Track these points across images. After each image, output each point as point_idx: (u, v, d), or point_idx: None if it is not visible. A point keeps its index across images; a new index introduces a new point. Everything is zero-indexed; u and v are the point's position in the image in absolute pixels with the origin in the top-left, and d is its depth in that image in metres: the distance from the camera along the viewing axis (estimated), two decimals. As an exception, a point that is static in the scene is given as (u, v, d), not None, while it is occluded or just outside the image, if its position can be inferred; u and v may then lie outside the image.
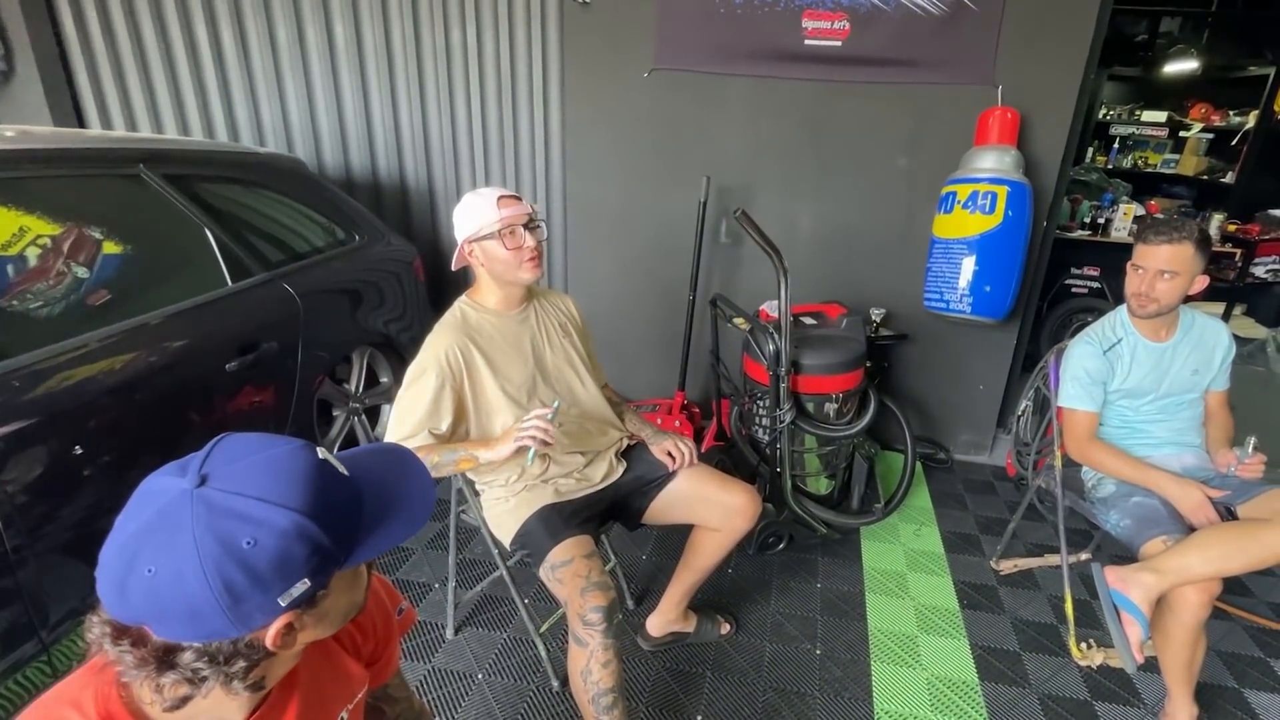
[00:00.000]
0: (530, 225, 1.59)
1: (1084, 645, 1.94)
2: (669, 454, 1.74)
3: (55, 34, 2.98)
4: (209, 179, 2.33)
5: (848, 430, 2.35)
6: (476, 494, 1.74)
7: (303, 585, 0.63)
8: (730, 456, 2.64)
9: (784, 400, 2.23)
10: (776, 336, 2.19)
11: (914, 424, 2.94)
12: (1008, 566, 2.38)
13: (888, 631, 2.07)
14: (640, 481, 1.77)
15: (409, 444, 1.50)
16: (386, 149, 3.44)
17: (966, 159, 2.68)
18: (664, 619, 1.96)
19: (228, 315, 2.11)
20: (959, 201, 2.65)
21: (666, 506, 1.75)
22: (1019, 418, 2.71)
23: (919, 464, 3.06)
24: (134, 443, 1.73)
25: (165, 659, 0.62)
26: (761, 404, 2.38)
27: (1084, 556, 2.40)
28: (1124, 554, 1.82)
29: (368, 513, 0.70)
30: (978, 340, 3.01)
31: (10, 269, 1.65)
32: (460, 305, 1.68)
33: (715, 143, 2.98)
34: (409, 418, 1.53)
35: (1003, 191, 2.54)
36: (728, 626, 2.03)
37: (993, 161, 2.61)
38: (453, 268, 1.69)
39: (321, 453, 0.68)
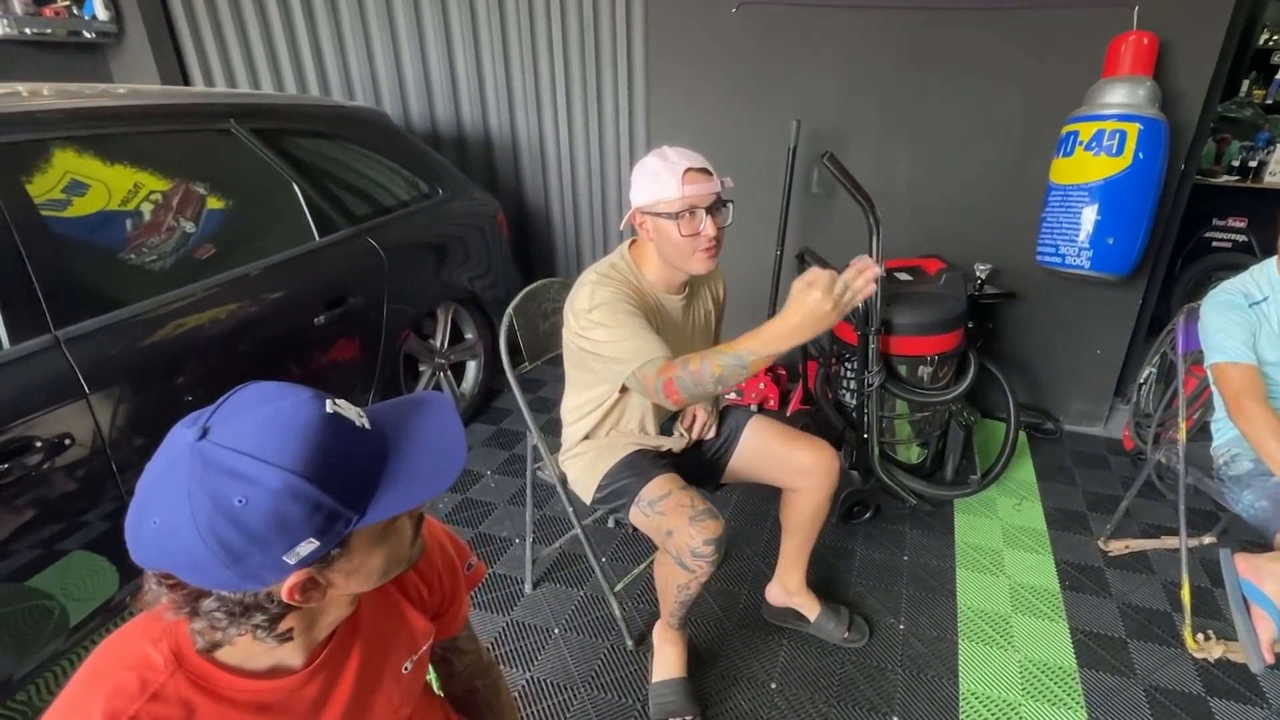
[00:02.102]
0: (715, 207, 1.45)
1: (1201, 636, 1.83)
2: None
3: None
4: (297, 133, 2.43)
5: (942, 396, 2.27)
6: (553, 452, 1.79)
7: (310, 545, 0.63)
8: (815, 421, 2.59)
9: (873, 362, 2.17)
10: (867, 294, 2.11)
11: (1019, 391, 2.81)
12: (1118, 547, 2.26)
13: (979, 610, 2.01)
14: (721, 439, 1.77)
15: (655, 365, 1.36)
16: (470, 101, 3.52)
17: (1092, 94, 2.46)
18: (780, 587, 1.92)
19: (315, 270, 2.22)
20: (1081, 143, 2.45)
21: (740, 464, 1.75)
22: (1141, 386, 2.55)
23: (1023, 434, 2.92)
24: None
25: (194, 605, 0.65)
26: (848, 366, 2.32)
27: (1207, 540, 2.25)
28: (1256, 540, 1.69)
29: (391, 467, 0.69)
30: (1097, 299, 2.81)
31: (129, 223, 1.79)
32: (620, 262, 1.56)
33: (806, 84, 2.86)
34: (635, 340, 1.39)
35: (1133, 130, 2.33)
36: (851, 634, 1.88)
37: (1123, 95, 2.39)
38: (620, 227, 1.61)
39: (332, 405, 0.67)
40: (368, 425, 0.70)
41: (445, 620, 1.01)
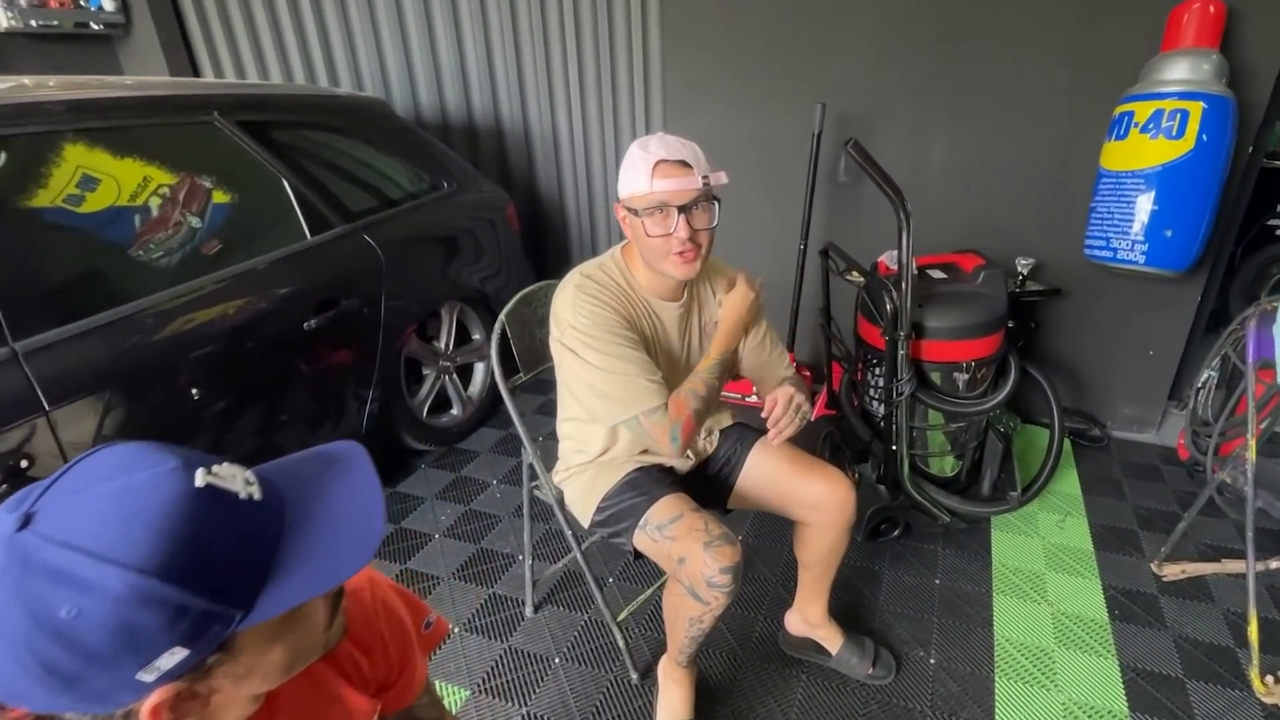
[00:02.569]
0: (690, 207, 1.30)
1: (1270, 679, 1.66)
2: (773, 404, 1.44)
3: None
4: (288, 125, 2.32)
5: (980, 405, 2.09)
6: (548, 470, 1.67)
7: (175, 656, 0.51)
8: (839, 429, 2.43)
9: (902, 370, 2.00)
10: (895, 294, 1.94)
11: (1063, 394, 2.61)
12: (1173, 571, 2.08)
13: (1018, 643, 1.85)
14: (724, 458, 1.62)
15: (664, 411, 1.33)
16: (481, 89, 3.43)
17: (1150, 69, 2.25)
18: (800, 617, 1.78)
19: (305, 271, 2.11)
20: (1136, 124, 2.24)
21: (746, 490, 1.60)
22: (1199, 390, 2.36)
23: (1067, 442, 2.73)
24: (210, 400, 1.79)
25: None
26: (875, 372, 2.15)
27: (1275, 565, 2.05)
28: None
29: (289, 546, 0.57)
30: (1150, 295, 2.59)
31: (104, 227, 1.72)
32: (609, 263, 1.44)
33: (832, 63, 2.68)
34: (638, 379, 1.32)
35: (1196, 109, 2.12)
36: (876, 669, 1.72)
37: (1185, 70, 2.17)
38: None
39: (205, 475, 0.54)
40: (257, 495, 0.57)
41: (396, 692, 0.89)
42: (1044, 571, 2.10)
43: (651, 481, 1.46)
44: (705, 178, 1.31)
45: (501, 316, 1.67)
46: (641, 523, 1.39)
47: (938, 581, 2.06)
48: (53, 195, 1.61)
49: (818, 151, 2.63)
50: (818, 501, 1.50)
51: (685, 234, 1.30)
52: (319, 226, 2.21)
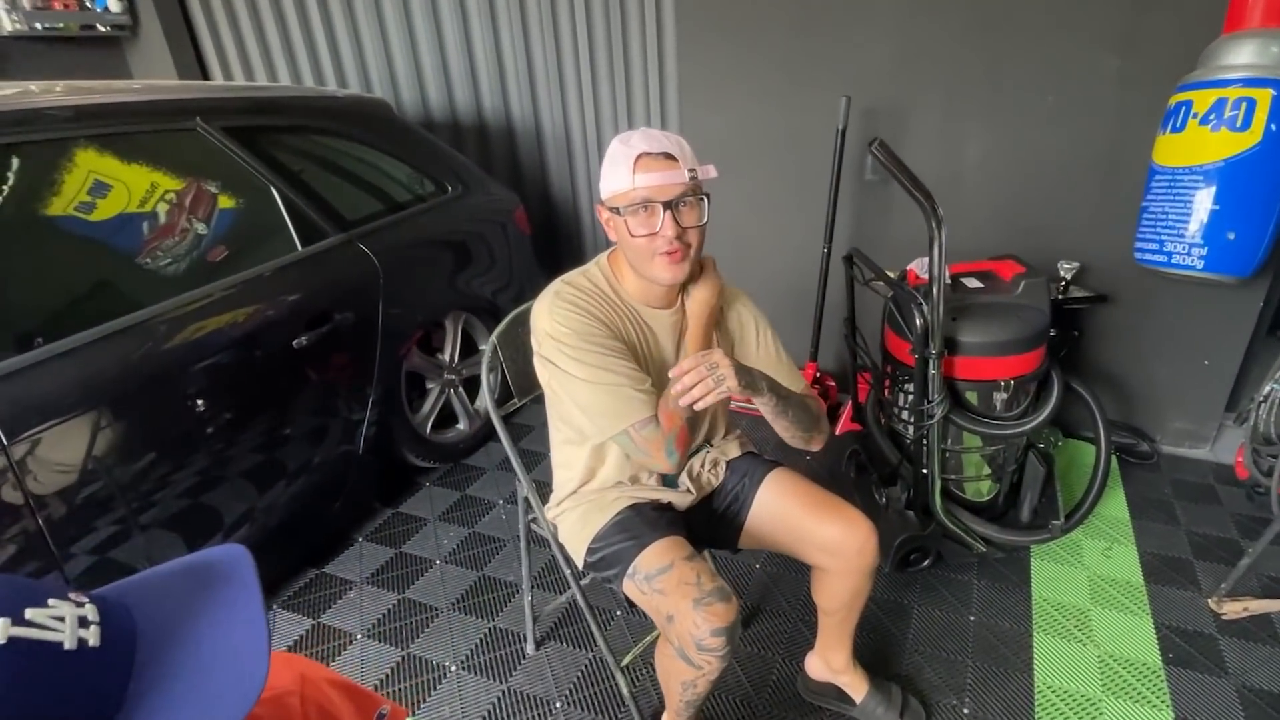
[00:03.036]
0: (677, 203, 1.20)
1: (1351, 741, 1.50)
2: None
3: None
4: (279, 130, 2.23)
5: (1019, 427, 1.93)
6: (543, 503, 1.55)
7: None
8: (865, 448, 2.28)
9: (934, 391, 1.84)
10: (925, 307, 1.79)
11: (1109, 406, 2.43)
12: (1234, 609, 1.90)
13: (1061, 690, 1.70)
14: (731, 493, 1.49)
15: (646, 420, 1.22)
16: (490, 86, 3.34)
17: (1210, 54, 2.05)
18: (821, 660, 1.65)
19: (295, 285, 2.01)
20: (1195, 115, 2.04)
21: (757, 529, 1.45)
22: (1260, 404, 2.16)
23: (1113, 459, 2.55)
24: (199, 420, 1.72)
25: None
26: (904, 390, 2.00)
27: (1352, 603, 1.88)
28: None
29: (141, 702, 0.47)
30: (1207, 301, 2.40)
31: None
32: (594, 269, 1.34)
33: (857, 54, 2.51)
34: (623, 390, 1.21)
35: (1264, 97, 1.92)
36: None
37: (1251, 54, 1.97)
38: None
39: (7, 629, 0.43)
40: (94, 641, 0.46)
41: None
42: (1089, 607, 1.94)
43: (643, 523, 1.33)
44: (692, 170, 1.20)
45: (493, 338, 1.56)
46: (630, 571, 1.27)
47: (972, 618, 1.92)
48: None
49: (842, 148, 2.47)
50: (834, 545, 1.36)
51: (672, 232, 1.19)
52: (311, 236, 2.11)
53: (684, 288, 1.37)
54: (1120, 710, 1.65)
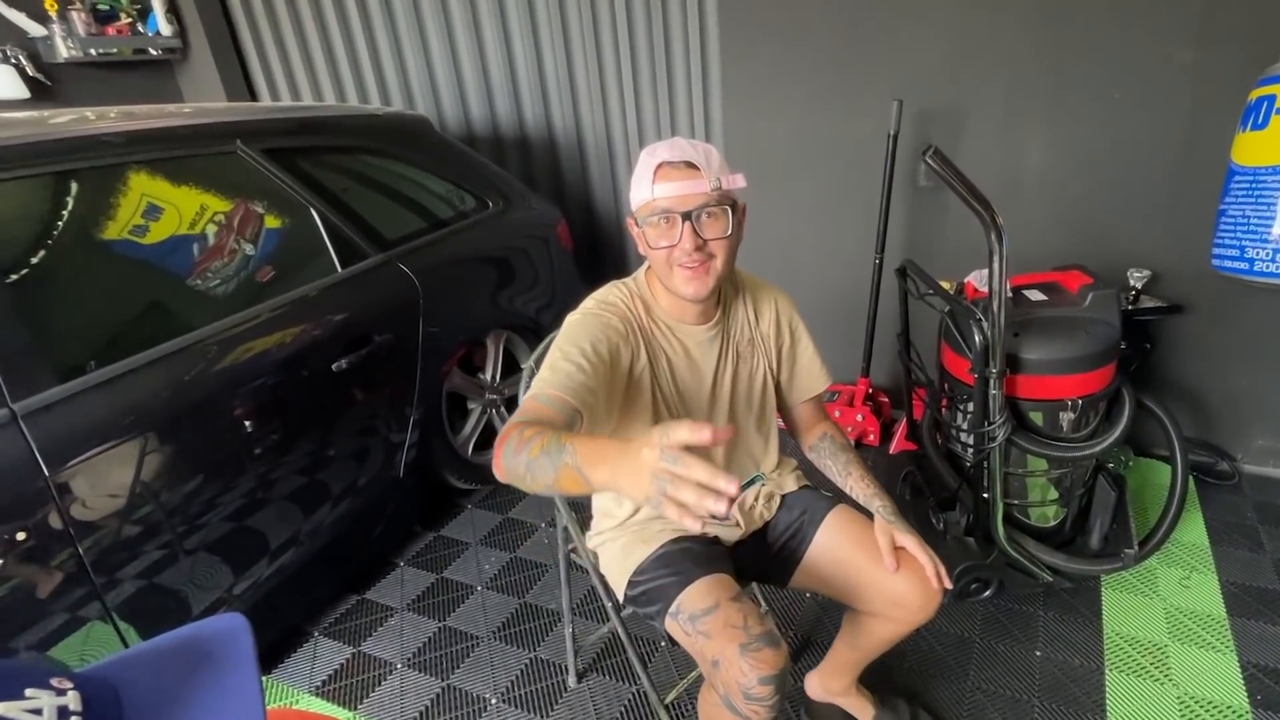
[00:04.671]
0: (698, 214, 1.17)
1: None
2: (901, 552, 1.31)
3: (223, 10, 3.18)
4: (318, 150, 2.27)
5: (1088, 449, 1.86)
6: (583, 532, 1.54)
7: None
8: (921, 469, 2.23)
9: (994, 412, 1.79)
10: (985, 323, 1.74)
11: (1184, 423, 2.34)
12: (1330, 644, 1.81)
13: (1138, 734, 1.64)
14: (789, 530, 1.46)
15: (534, 403, 1.10)
16: (532, 98, 3.36)
17: (1294, 46, 1.97)
18: (824, 685, 1.65)
19: (334, 307, 2.05)
20: (1278, 109, 1.96)
21: (813, 570, 1.42)
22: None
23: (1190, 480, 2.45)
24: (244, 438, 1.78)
25: None
26: (963, 410, 1.95)
27: None
28: None
29: None
30: (1291, 308, 2.29)
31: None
32: (633, 283, 1.34)
33: (910, 55, 2.46)
34: (554, 366, 1.16)
35: (1355, 92, 1.83)
36: None
37: (1339, 46, 1.89)
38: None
39: None
40: None
41: None
42: (1167, 643, 1.86)
43: (687, 558, 1.31)
44: (716, 181, 1.17)
45: (531, 360, 1.56)
46: (673, 609, 1.25)
47: (1039, 654, 1.85)
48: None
49: (894, 153, 2.42)
50: (900, 598, 1.31)
51: (690, 244, 1.17)
52: (351, 257, 2.15)
53: (724, 303, 1.35)
54: (1204, 757, 1.58)
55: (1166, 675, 1.77)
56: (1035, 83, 2.35)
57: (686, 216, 1.17)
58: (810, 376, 1.48)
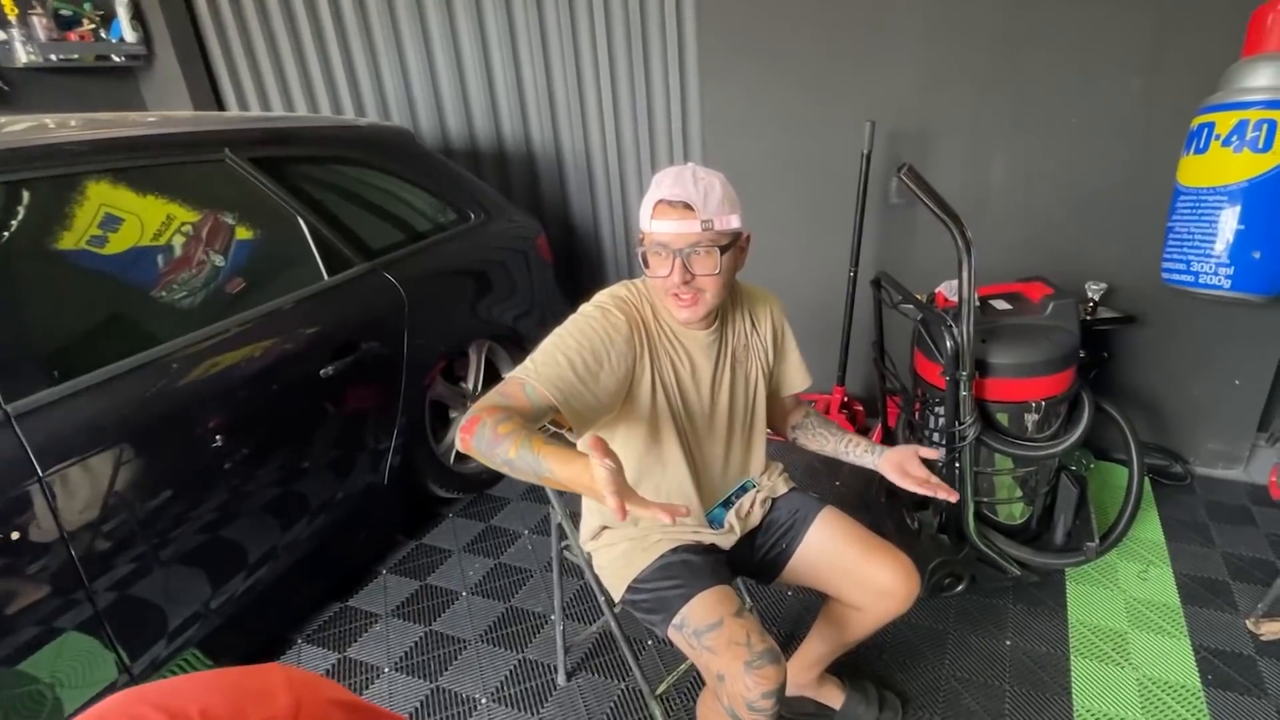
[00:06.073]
0: (688, 253, 1.27)
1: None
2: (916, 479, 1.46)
3: (191, 17, 3.19)
4: (304, 160, 2.35)
5: (1051, 448, 2.03)
6: (577, 530, 1.64)
7: None
8: (894, 471, 2.38)
9: (965, 413, 1.95)
10: (955, 329, 1.90)
11: (1140, 428, 2.53)
12: (1272, 629, 1.99)
13: (1100, 715, 1.78)
14: (780, 530, 1.58)
15: (510, 386, 1.22)
16: (510, 112, 3.43)
17: (1231, 76, 2.17)
18: (793, 679, 1.74)
19: (322, 314, 2.11)
20: (1218, 136, 2.16)
21: (803, 567, 1.54)
22: (1294, 425, 2.27)
23: (1147, 482, 2.64)
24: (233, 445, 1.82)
25: None
26: (935, 413, 2.11)
27: (1391, 623, 1.96)
28: None
29: None
30: (1236, 321, 2.51)
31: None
32: (640, 285, 1.44)
33: (882, 78, 2.65)
34: (541, 353, 1.27)
35: (1286, 120, 2.05)
36: (883, 714, 1.76)
37: (1270, 77, 2.08)
38: None
39: None
40: None
41: None
42: (1126, 630, 2.03)
43: (688, 570, 1.41)
44: (707, 222, 1.27)
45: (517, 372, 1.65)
46: (677, 622, 1.34)
47: (1008, 643, 2.00)
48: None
49: (867, 172, 2.59)
50: (888, 588, 1.44)
51: (680, 279, 1.29)
52: (337, 265, 2.22)
53: (723, 312, 1.47)
54: (1161, 733, 1.73)
55: (1127, 660, 1.93)
56: (1000, 106, 2.55)
57: (685, 253, 1.28)
58: (798, 372, 1.62)
